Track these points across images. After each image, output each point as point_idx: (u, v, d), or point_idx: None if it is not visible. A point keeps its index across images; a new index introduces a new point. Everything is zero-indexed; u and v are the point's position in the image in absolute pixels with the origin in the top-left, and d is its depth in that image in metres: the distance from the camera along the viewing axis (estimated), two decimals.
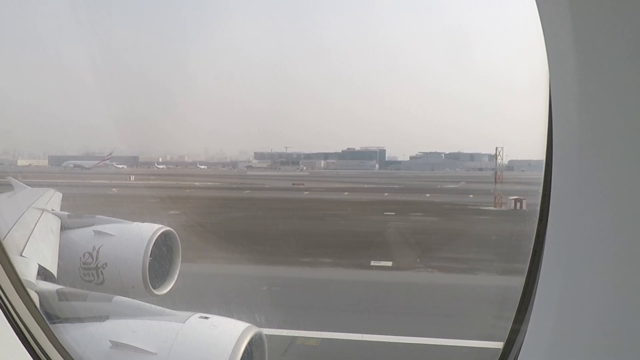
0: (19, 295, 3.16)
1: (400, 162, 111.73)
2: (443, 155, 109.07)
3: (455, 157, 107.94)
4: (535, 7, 1.90)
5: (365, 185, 55.56)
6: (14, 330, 3.00)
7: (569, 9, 1.69)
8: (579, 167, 1.87)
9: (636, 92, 1.69)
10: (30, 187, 9.78)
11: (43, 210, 7.14)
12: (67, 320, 4.15)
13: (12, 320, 3.02)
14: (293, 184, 55.11)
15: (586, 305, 1.95)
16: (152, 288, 6.76)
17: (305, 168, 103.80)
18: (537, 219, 2.40)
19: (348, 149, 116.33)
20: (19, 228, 5.76)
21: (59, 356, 3.30)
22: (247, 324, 4.22)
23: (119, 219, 7.55)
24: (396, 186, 54.87)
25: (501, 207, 33.98)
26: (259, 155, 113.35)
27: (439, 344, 11.37)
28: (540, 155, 2.35)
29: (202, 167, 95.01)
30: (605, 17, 1.67)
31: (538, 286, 2.25)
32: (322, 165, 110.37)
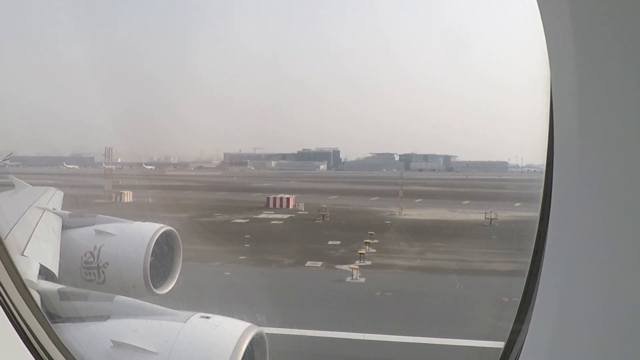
0: (20, 294, 3.16)
1: (344, 163, 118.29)
2: (396, 156, 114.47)
3: (408, 159, 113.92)
4: (536, 7, 1.90)
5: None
6: (16, 330, 3.00)
7: (570, 9, 1.69)
8: (579, 168, 1.86)
9: (636, 93, 1.69)
10: (31, 186, 9.79)
11: (44, 209, 7.14)
12: (68, 319, 4.14)
13: (13, 320, 3.02)
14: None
15: (587, 306, 1.94)
16: (153, 287, 6.76)
17: (253, 168, 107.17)
18: (538, 220, 2.40)
19: (304, 149, 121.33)
20: (21, 227, 5.76)
21: (61, 355, 3.30)
22: (249, 324, 4.22)
23: (120, 219, 7.55)
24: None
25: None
26: (228, 156, 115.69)
27: (439, 343, 11.37)
28: (542, 156, 2.35)
29: (149, 167, 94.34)
30: (605, 18, 1.67)
31: (539, 286, 2.24)
32: (272, 165, 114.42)
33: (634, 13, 1.62)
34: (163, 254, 7.03)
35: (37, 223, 6.28)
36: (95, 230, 6.95)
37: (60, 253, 6.02)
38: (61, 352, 3.32)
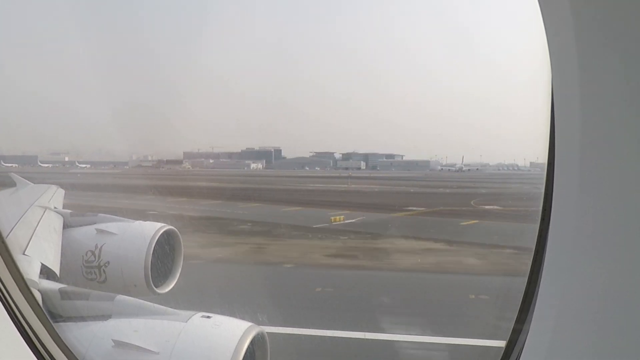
0: (22, 293, 3.17)
1: (283, 160, 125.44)
2: (336, 154, 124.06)
3: (348, 157, 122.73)
4: (537, 7, 1.89)
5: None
6: (17, 329, 3.01)
7: (571, 8, 1.68)
8: (581, 167, 1.86)
9: (639, 92, 1.69)
10: (32, 184, 9.81)
11: (46, 208, 7.15)
12: (69, 319, 4.15)
13: (15, 319, 3.03)
14: None
15: (588, 305, 1.95)
16: (154, 286, 6.77)
17: (190, 167, 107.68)
18: (540, 219, 2.40)
19: (247, 148, 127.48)
20: (22, 226, 5.77)
21: (62, 355, 3.31)
22: (250, 324, 4.22)
23: (121, 218, 7.56)
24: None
25: None
26: (188, 155, 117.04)
27: (440, 342, 11.39)
28: (543, 155, 2.35)
29: (83, 165, 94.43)
30: (607, 17, 1.67)
31: (540, 286, 2.24)
32: (210, 163, 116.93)
33: (635, 12, 1.62)
34: (164, 253, 7.04)
35: (39, 222, 6.29)
36: (96, 229, 6.96)
37: (61, 252, 6.02)
38: (63, 352, 3.33)
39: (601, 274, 1.89)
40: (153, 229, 7.02)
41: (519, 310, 2.60)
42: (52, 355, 3.20)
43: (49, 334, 3.26)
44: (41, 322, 3.22)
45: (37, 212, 6.77)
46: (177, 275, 7.30)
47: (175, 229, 7.31)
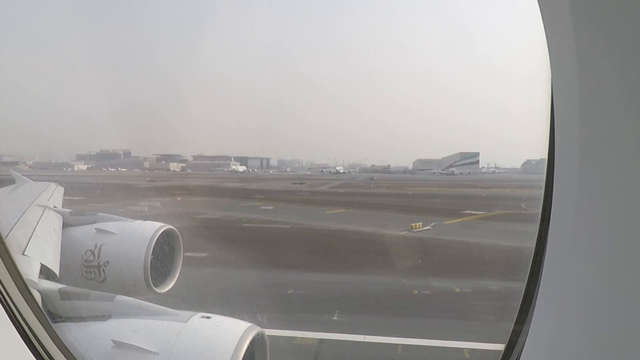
0: (21, 294, 3.16)
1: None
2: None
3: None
4: (537, 7, 1.89)
5: None
6: (17, 330, 3.00)
7: (570, 7, 1.68)
8: (580, 167, 1.85)
9: (638, 92, 1.69)
10: (32, 181, 9.80)
11: (45, 207, 7.14)
12: (69, 319, 4.14)
13: (14, 320, 3.02)
14: None
15: (588, 307, 1.94)
16: (153, 286, 6.77)
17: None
18: (539, 220, 2.39)
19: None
20: (22, 226, 5.75)
21: (62, 355, 3.31)
22: (249, 324, 4.21)
23: (121, 217, 7.56)
24: None
25: None
26: (80, 157, 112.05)
27: (439, 345, 11.39)
28: (542, 155, 2.35)
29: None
30: (606, 17, 1.66)
31: (540, 287, 2.23)
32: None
33: (635, 12, 1.62)
34: (164, 253, 7.04)
35: (38, 222, 6.27)
36: (96, 228, 6.96)
37: (61, 251, 6.02)
38: (62, 352, 3.33)
39: (601, 274, 1.88)
40: (152, 228, 7.02)
41: (519, 311, 2.59)
42: (51, 356, 3.19)
43: (49, 335, 3.25)
44: (40, 323, 3.21)
45: (36, 212, 6.75)
46: (177, 274, 7.30)
47: (174, 228, 7.31)
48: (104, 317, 4.22)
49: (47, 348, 3.19)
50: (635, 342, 1.81)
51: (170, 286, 7.17)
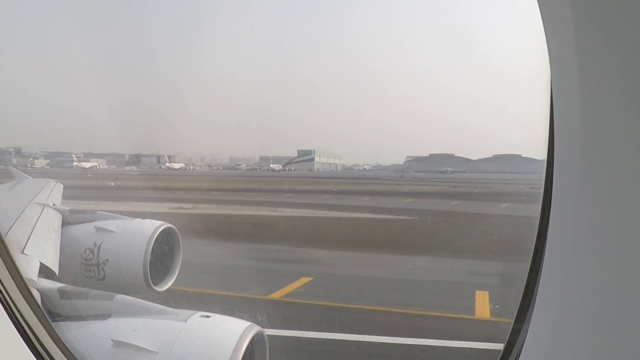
0: (21, 293, 3.16)
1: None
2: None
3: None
4: (537, 7, 1.88)
5: None
6: (16, 329, 3.01)
7: (571, 8, 1.68)
8: (580, 167, 1.85)
9: (638, 92, 1.68)
10: (31, 178, 9.77)
11: (44, 205, 7.13)
12: (68, 318, 4.14)
13: (14, 319, 3.02)
14: None
15: (588, 306, 1.94)
16: (152, 285, 6.76)
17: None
18: (539, 218, 2.39)
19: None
20: (21, 224, 5.75)
21: (61, 354, 3.31)
22: (249, 323, 4.21)
23: (120, 215, 7.55)
24: None
25: None
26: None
27: (438, 345, 11.39)
28: (542, 154, 2.35)
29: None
30: (607, 17, 1.66)
31: (539, 286, 2.23)
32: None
33: (635, 11, 1.61)
34: (163, 251, 7.03)
35: (37, 220, 6.27)
36: (95, 227, 6.95)
37: (60, 249, 6.01)
38: (62, 351, 3.33)
39: (601, 273, 1.88)
40: (152, 227, 7.01)
41: (518, 310, 2.59)
42: (51, 355, 3.19)
43: (48, 334, 3.25)
44: (40, 322, 3.21)
45: (36, 210, 6.75)
46: (176, 273, 7.30)
47: (174, 227, 7.30)
48: (103, 316, 4.22)
49: (46, 347, 3.19)
50: (636, 341, 1.82)
51: (169, 285, 7.17)
